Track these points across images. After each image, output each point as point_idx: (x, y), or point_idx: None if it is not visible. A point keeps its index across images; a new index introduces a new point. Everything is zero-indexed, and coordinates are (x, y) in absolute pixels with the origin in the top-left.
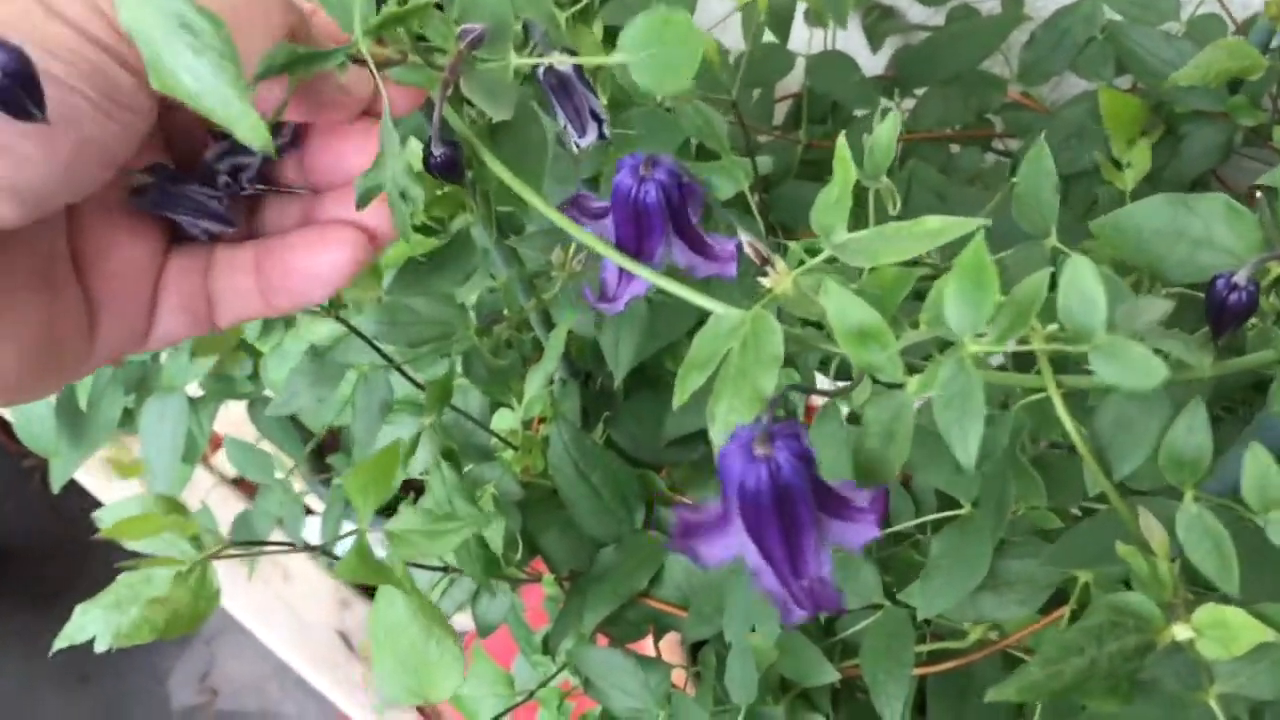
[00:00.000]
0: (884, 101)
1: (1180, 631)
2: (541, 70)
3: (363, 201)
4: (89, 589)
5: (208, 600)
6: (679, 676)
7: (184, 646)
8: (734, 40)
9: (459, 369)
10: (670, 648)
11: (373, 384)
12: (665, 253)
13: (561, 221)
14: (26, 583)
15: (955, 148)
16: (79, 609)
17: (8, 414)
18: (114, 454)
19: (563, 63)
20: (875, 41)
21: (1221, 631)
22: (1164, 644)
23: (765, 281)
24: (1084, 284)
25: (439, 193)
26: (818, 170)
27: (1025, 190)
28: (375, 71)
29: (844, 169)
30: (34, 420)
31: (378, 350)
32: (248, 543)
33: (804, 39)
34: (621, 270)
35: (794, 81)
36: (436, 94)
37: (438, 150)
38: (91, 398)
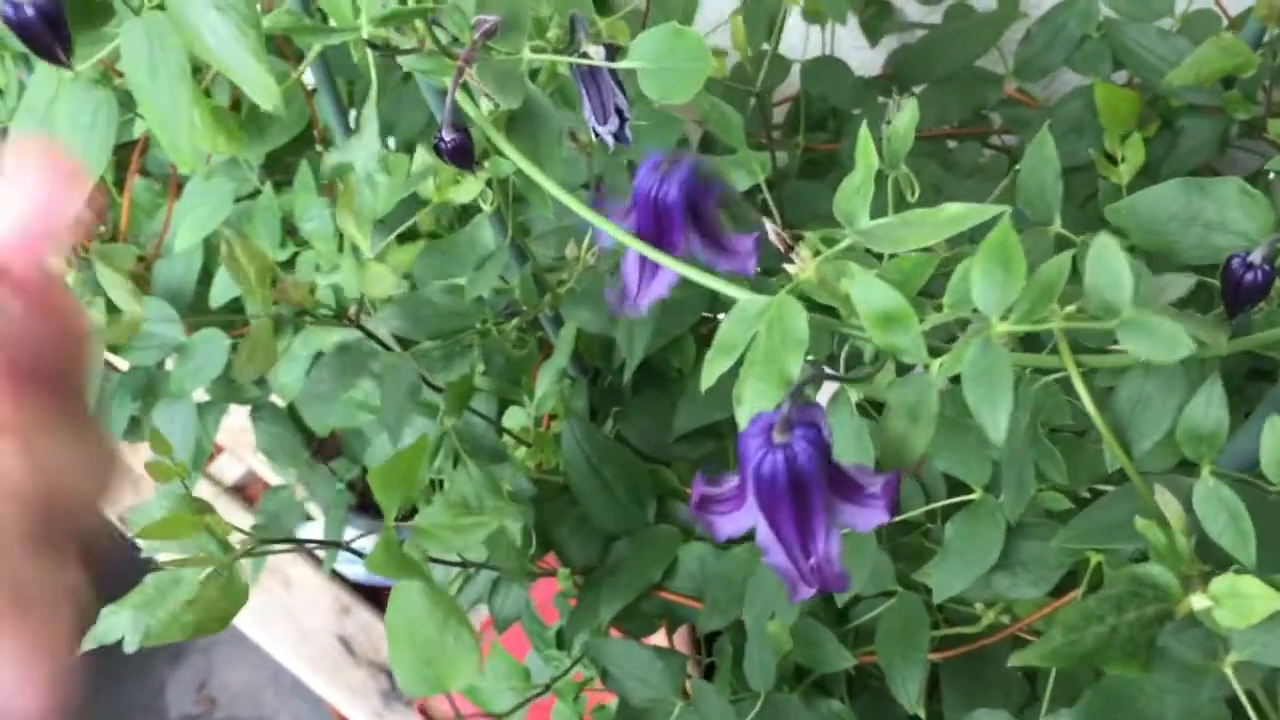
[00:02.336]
0: (882, 99)
1: (1198, 601)
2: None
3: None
4: None
5: (236, 599)
6: (692, 668)
7: (181, 656)
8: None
9: (479, 366)
10: (682, 640)
11: (398, 372)
12: (685, 250)
13: (585, 212)
14: None
15: (953, 144)
16: (107, 610)
17: None
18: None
19: (577, 63)
20: (873, 36)
21: (1238, 601)
22: (1182, 614)
23: (790, 268)
24: (1110, 262)
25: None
26: (817, 171)
27: (1029, 178)
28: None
29: (866, 157)
30: None
31: (385, 347)
32: (274, 540)
33: (800, 41)
34: (643, 273)
35: (791, 86)
36: (450, 81)
37: (449, 135)
38: (99, 405)
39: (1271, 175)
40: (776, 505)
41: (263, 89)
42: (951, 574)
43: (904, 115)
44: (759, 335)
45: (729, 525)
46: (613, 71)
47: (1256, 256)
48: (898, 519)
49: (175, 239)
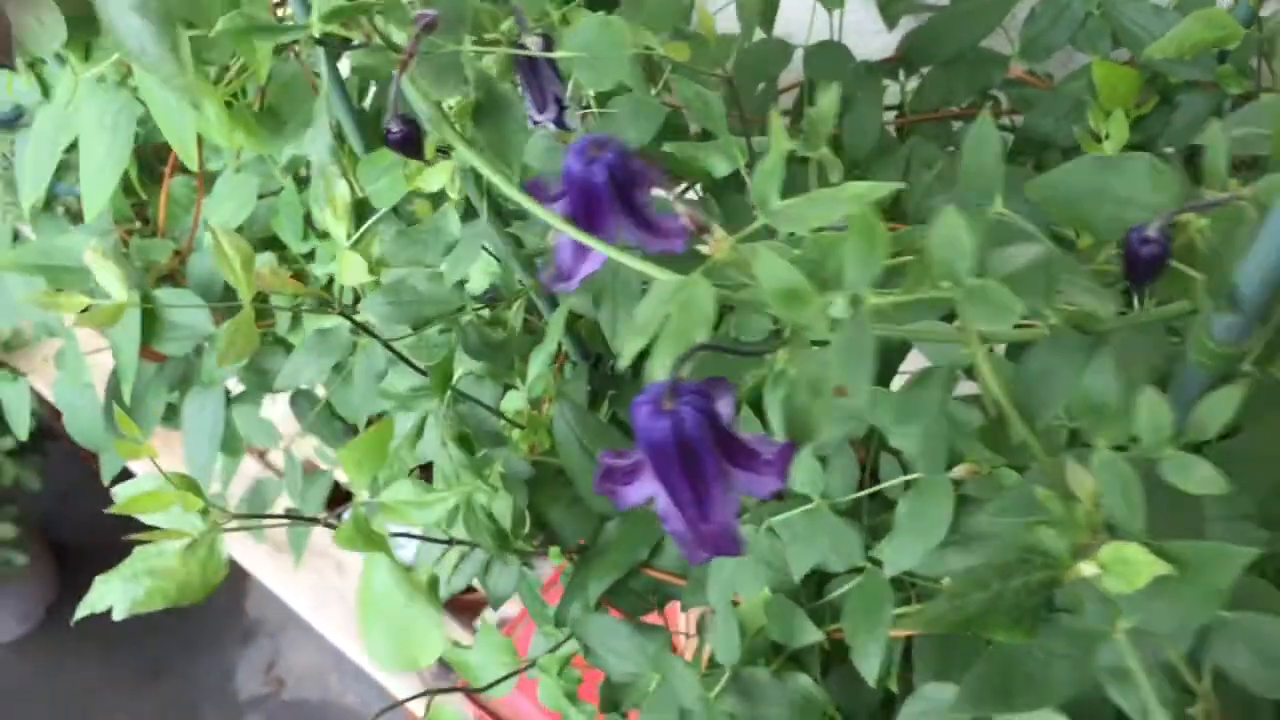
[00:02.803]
0: (888, 82)
1: (1086, 568)
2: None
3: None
4: None
5: (215, 571)
6: (680, 642)
7: (251, 640)
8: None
9: (459, 348)
10: (675, 616)
11: (370, 355)
12: (617, 231)
13: (522, 200)
14: None
15: (958, 125)
16: (99, 579)
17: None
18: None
19: (518, 53)
20: (890, 20)
21: (1124, 567)
22: (1071, 580)
23: (704, 249)
24: (952, 231)
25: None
26: None
27: (969, 159)
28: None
29: (778, 140)
30: (82, 416)
31: (370, 334)
32: (254, 515)
33: (820, 25)
34: (575, 250)
35: (798, 72)
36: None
37: (395, 127)
38: (136, 393)
39: (1169, 148)
40: (669, 470)
41: (180, 86)
42: (903, 549)
43: (826, 97)
44: (671, 315)
45: (632, 494)
46: (551, 61)
47: (1152, 230)
48: (873, 489)
49: (205, 233)
